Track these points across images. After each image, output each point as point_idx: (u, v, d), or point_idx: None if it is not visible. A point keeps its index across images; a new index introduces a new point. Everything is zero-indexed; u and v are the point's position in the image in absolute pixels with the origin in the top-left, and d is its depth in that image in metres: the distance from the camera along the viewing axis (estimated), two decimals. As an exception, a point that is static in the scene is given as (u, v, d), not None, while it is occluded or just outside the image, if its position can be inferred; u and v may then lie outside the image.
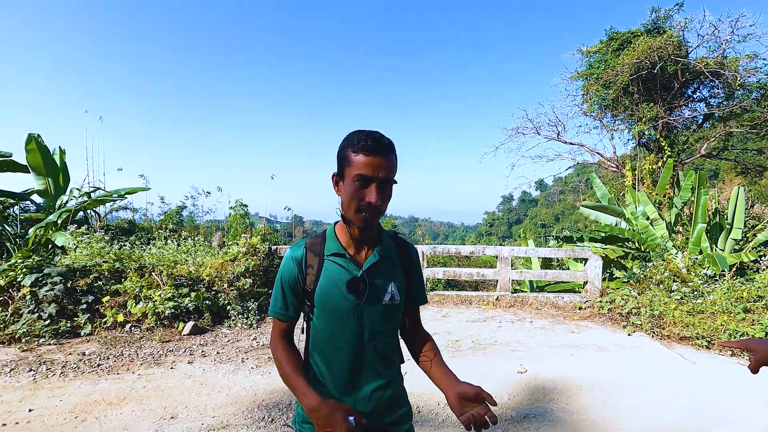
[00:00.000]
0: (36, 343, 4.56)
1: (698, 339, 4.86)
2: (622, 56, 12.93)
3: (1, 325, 4.72)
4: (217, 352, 4.51)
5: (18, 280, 5.10)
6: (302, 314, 1.28)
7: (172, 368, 4.05)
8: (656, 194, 9.78)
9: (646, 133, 13.47)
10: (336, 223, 1.27)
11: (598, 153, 15.93)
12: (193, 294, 5.52)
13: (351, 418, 1.08)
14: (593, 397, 3.52)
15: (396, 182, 1.15)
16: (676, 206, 8.63)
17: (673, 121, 13.01)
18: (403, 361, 1.35)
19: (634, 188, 10.99)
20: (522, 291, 8.91)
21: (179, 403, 3.33)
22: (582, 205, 9.58)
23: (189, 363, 4.19)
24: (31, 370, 3.87)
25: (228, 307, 5.67)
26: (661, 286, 6.08)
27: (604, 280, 8.51)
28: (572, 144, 16.39)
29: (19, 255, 5.53)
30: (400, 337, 1.36)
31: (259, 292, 6.17)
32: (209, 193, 13.31)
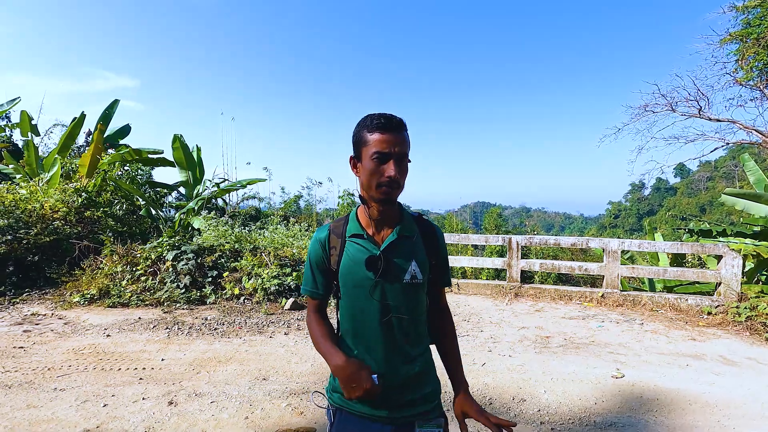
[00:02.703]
0: (174, 307, 5.55)
1: None
2: (795, 6, 10.34)
3: (152, 291, 5.86)
4: (310, 327, 4.94)
5: (164, 255, 6.24)
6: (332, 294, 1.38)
7: (271, 337, 4.58)
8: (837, 179, 7.73)
9: (830, 101, 10.64)
10: (357, 207, 1.34)
11: (757, 130, 13.03)
12: (294, 274, 6.11)
13: (374, 376, 1.13)
14: (705, 417, 3.00)
15: (410, 160, 1.20)
16: None
17: None
18: (431, 342, 1.37)
19: (806, 172, 8.84)
20: (641, 290, 7.89)
21: (271, 367, 3.77)
22: (725, 193, 8.02)
23: (285, 334, 4.69)
24: (167, 328, 4.74)
25: (324, 288, 6.14)
26: (832, 294, 4.84)
27: (756, 282, 7.04)
28: (720, 121, 13.67)
29: (166, 235, 6.75)
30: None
31: (353, 276, 6.54)
32: (321, 183, 14.40)
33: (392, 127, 1.15)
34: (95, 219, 7.61)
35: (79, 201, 7.50)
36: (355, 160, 1.23)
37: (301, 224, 8.37)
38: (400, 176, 1.15)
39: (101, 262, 6.40)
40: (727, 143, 14.61)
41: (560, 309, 5.79)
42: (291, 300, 5.71)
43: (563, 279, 9.66)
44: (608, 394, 3.33)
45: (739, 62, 12.64)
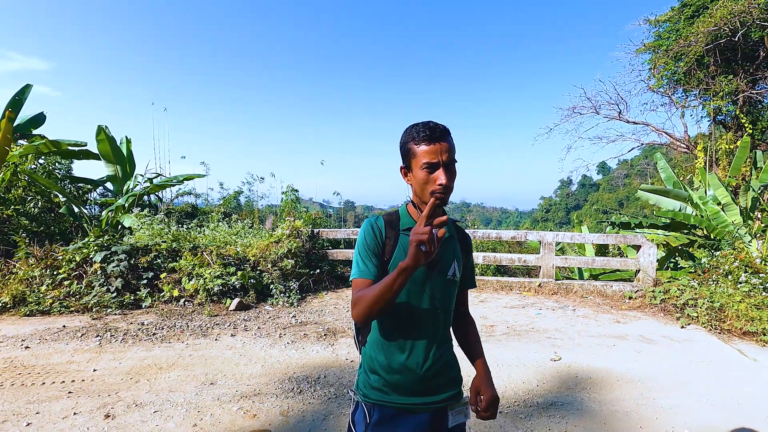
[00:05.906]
0: (104, 312, 5.11)
1: (764, 335, 4.41)
2: (696, 24, 11.66)
3: (77, 296, 5.35)
4: (258, 327, 4.79)
5: (90, 256, 5.72)
6: None
7: (216, 340, 4.37)
8: (729, 177, 8.86)
9: (724, 108, 12.14)
10: (406, 204, 1.39)
11: (666, 133, 14.61)
12: (239, 273, 5.87)
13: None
14: (630, 390, 3.34)
15: (457, 161, 1.26)
16: (753, 190, 7.75)
17: (757, 94, 11.59)
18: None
19: (706, 170, 10.03)
20: (572, 279, 8.53)
21: (219, 371, 3.61)
22: (640, 189, 8.91)
23: (232, 336, 4.50)
24: (98, 335, 4.36)
25: (271, 286, 5.98)
26: (729, 277, 5.55)
27: (666, 269, 7.89)
28: (636, 123, 15.16)
29: (92, 234, 6.18)
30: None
31: (301, 273, 6.43)
32: (263, 179, 13.91)
33: (438, 136, 1.20)
34: (5, 218, 6.78)
35: (-15, 198, 6.64)
36: (406, 170, 1.29)
37: (244, 221, 8.05)
38: (450, 182, 1.22)
39: (14, 266, 5.73)
40: (642, 144, 16.18)
41: (502, 299, 6.11)
42: (236, 300, 5.49)
43: (501, 270, 10.21)
44: (548, 377, 3.58)
45: (652, 71, 14.02)
